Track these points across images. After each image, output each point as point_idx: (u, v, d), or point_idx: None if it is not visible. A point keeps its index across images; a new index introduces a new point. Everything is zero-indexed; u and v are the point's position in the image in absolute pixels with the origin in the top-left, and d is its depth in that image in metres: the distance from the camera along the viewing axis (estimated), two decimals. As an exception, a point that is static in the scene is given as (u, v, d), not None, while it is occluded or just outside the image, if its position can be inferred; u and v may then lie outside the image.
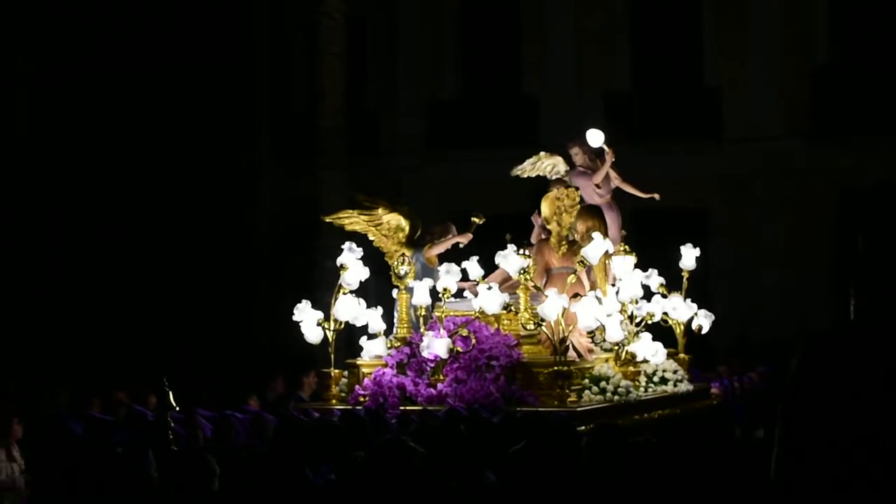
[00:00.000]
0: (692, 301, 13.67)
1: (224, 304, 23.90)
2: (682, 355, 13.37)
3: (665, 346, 12.98)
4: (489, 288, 11.81)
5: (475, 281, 12.64)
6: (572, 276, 12.00)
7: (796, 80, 23.07)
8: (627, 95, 24.32)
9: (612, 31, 24.50)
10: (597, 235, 12.01)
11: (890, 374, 3.94)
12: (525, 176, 14.10)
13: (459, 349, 11.77)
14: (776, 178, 22.97)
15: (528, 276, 11.72)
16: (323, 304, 12.42)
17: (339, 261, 12.11)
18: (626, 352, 12.32)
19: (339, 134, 21.79)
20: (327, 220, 13.22)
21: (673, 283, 13.61)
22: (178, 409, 10.24)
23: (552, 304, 11.33)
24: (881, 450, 3.86)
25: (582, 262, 11.94)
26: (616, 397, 11.87)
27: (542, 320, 11.49)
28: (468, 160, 23.71)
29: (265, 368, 16.78)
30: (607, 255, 12.42)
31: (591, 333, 12.15)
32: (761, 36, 23.40)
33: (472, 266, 13.01)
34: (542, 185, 13.85)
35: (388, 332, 12.43)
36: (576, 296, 11.79)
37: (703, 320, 13.45)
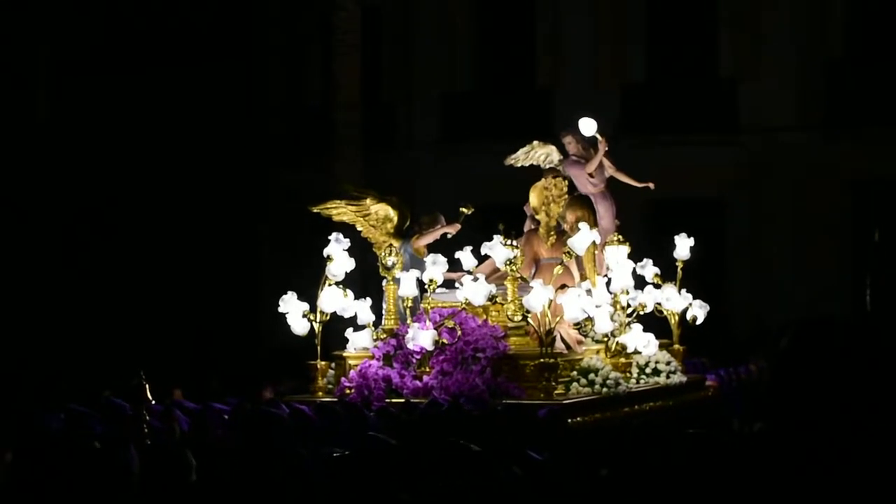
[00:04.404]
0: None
1: (237, 298, 23.89)
2: (676, 346, 13.18)
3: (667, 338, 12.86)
4: (475, 279, 11.65)
5: (465, 271, 12.50)
6: (559, 266, 11.84)
7: (811, 72, 22.93)
8: (642, 88, 24.19)
9: (627, 24, 24.36)
10: (583, 226, 11.83)
11: (866, 361, 4.12)
12: (518, 165, 13.93)
13: (445, 341, 11.61)
14: (791, 169, 22.81)
15: (514, 267, 11.57)
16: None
17: (326, 252, 11.98)
18: (616, 343, 12.16)
19: (355, 127, 21.70)
20: (315, 211, 13.06)
21: (685, 273, 13.45)
22: (153, 402, 10.15)
23: (537, 296, 11.16)
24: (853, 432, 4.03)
25: (569, 252, 11.78)
26: (605, 389, 11.70)
27: (529, 312, 11.34)
28: (483, 153, 23.49)
29: (279, 361, 16.72)
30: (595, 245, 12.24)
31: (579, 325, 11.98)
32: (776, 28, 23.27)
33: (466, 256, 12.90)
34: (539, 175, 13.70)
35: (377, 324, 12.31)
36: (563, 287, 11.63)
37: (698, 311, 13.26)
